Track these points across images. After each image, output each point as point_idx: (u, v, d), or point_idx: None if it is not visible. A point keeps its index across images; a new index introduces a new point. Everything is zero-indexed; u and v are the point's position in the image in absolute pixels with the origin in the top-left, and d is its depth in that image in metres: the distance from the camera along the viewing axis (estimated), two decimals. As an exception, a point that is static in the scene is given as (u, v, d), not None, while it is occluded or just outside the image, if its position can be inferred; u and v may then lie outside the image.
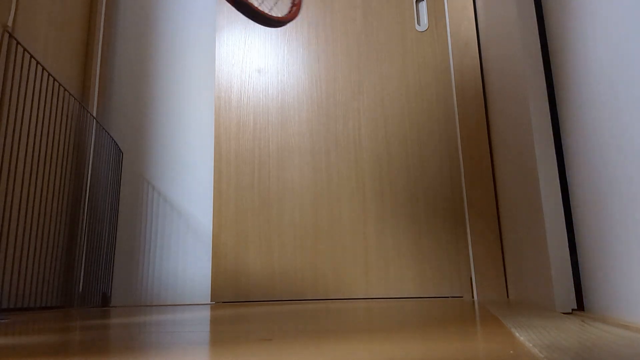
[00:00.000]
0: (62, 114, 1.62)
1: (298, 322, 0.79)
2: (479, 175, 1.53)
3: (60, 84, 1.60)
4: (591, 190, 0.74)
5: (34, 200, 1.44)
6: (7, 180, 1.33)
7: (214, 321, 0.88)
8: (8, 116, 1.35)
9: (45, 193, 1.51)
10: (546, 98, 0.90)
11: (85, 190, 1.76)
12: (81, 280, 1.68)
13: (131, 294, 1.77)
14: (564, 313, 0.80)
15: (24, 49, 1.38)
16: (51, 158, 1.55)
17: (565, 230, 0.85)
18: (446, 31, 1.71)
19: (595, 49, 0.69)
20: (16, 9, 1.47)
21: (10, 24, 1.44)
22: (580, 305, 0.81)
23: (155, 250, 1.80)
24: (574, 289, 0.82)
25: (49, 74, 1.52)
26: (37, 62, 1.44)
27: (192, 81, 1.95)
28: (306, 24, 1.83)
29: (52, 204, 1.54)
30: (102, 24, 2.02)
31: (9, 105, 1.35)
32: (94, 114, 1.90)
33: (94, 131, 1.84)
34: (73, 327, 0.84)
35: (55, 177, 1.56)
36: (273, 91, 1.80)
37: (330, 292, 1.60)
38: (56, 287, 1.56)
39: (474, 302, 1.25)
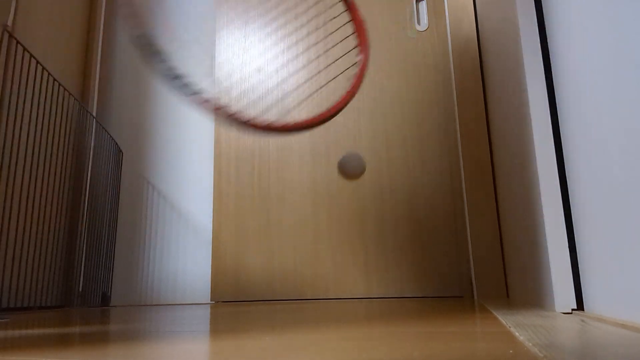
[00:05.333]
0: (62, 114, 1.62)
1: (297, 321, 0.79)
2: (479, 175, 1.53)
3: (60, 84, 1.60)
4: (591, 190, 0.74)
5: (34, 200, 1.44)
6: (7, 179, 1.33)
7: (214, 319, 0.88)
8: (8, 116, 1.35)
9: (45, 192, 1.51)
10: (546, 98, 0.90)
11: (85, 190, 1.76)
12: (81, 280, 1.68)
13: (131, 294, 1.77)
14: (563, 313, 0.80)
15: (24, 49, 1.38)
16: (51, 158, 1.55)
17: (565, 230, 0.85)
18: (446, 31, 1.71)
19: (596, 48, 0.69)
20: (16, 9, 1.47)
21: (10, 23, 1.44)
22: (580, 305, 0.81)
23: (155, 250, 1.80)
24: (573, 288, 0.82)
25: (49, 74, 1.52)
26: (37, 62, 1.44)
27: (192, 80, 1.95)
28: (306, 23, 1.83)
29: (52, 204, 1.54)
30: (102, 24, 2.02)
31: (9, 105, 1.35)
32: (94, 114, 1.90)
33: (93, 131, 1.84)
34: (73, 325, 0.84)
35: (55, 176, 1.56)
36: (273, 90, 1.80)
37: (330, 292, 1.60)
38: (56, 287, 1.56)
39: (473, 302, 1.25)
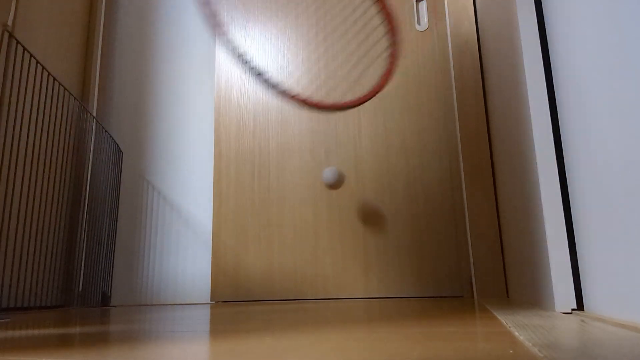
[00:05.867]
0: (62, 114, 1.62)
1: (297, 321, 0.79)
2: (479, 175, 1.53)
3: (60, 84, 1.60)
4: (591, 189, 0.74)
5: (34, 200, 1.44)
6: (7, 179, 1.33)
7: (214, 319, 0.88)
8: (8, 116, 1.35)
9: (45, 193, 1.51)
10: (546, 98, 0.90)
11: (85, 190, 1.76)
12: (81, 280, 1.68)
13: (131, 294, 1.77)
14: (563, 313, 0.80)
15: (24, 49, 1.38)
16: (51, 158, 1.55)
17: (565, 230, 0.85)
18: (446, 31, 1.71)
19: (596, 47, 0.69)
20: (16, 9, 1.47)
21: (10, 23, 1.44)
22: (580, 305, 0.81)
23: (155, 250, 1.80)
24: (573, 288, 0.82)
25: (49, 74, 1.52)
26: (37, 62, 1.44)
27: (192, 81, 1.95)
28: (306, 23, 1.83)
29: (52, 204, 1.54)
30: (102, 24, 2.02)
31: (9, 105, 1.35)
32: (94, 114, 1.90)
33: (94, 131, 1.84)
34: (73, 325, 0.85)
35: (55, 176, 1.56)
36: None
37: (330, 292, 1.60)
38: (56, 287, 1.56)
39: (473, 301, 1.25)
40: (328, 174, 1.12)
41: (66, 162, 1.63)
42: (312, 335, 0.60)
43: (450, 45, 1.67)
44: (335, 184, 1.10)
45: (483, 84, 1.60)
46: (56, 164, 1.57)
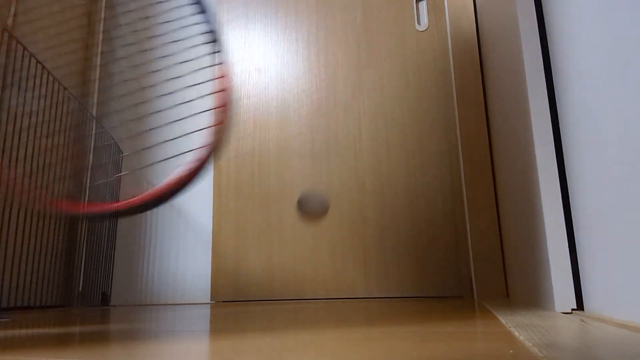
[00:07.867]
0: (62, 114, 1.62)
1: (297, 321, 0.79)
2: (479, 175, 1.53)
3: (60, 84, 1.60)
4: (591, 190, 0.74)
5: (34, 200, 1.44)
6: (7, 179, 1.33)
7: (214, 319, 0.88)
8: (8, 115, 1.35)
9: (46, 192, 1.51)
10: (546, 98, 0.90)
11: (85, 190, 1.76)
12: (81, 280, 1.68)
13: (131, 293, 1.77)
14: (563, 313, 0.80)
15: (24, 48, 1.38)
16: (51, 157, 1.55)
17: (565, 230, 0.85)
18: (446, 31, 1.71)
19: (596, 47, 0.69)
20: (16, 9, 1.47)
21: (10, 23, 1.44)
22: (580, 305, 0.81)
23: (155, 250, 1.80)
24: (573, 288, 0.82)
25: (49, 73, 1.52)
26: (37, 62, 1.44)
27: (192, 80, 1.94)
28: (306, 23, 1.83)
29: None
30: (102, 24, 2.02)
31: (9, 105, 1.35)
32: (94, 114, 1.90)
33: (94, 131, 1.84)
34: (73, 325, 0.84)
35: (55, 176, 1.56)
36: (273, 90, 1.80)
37: (330, 292, 1.60)
38: (56, 286, 1.56)
39: (473, 302, 1.25)
40: (311, 199, 0.80)
41: (66, 161, 1.63)
42: (312, 335, 0.60)
43: (450, 45, 1.67)
44: (316, 211, 0.79)
45: (483, 84, 1.60)
46: (56, 163, 1.57)
